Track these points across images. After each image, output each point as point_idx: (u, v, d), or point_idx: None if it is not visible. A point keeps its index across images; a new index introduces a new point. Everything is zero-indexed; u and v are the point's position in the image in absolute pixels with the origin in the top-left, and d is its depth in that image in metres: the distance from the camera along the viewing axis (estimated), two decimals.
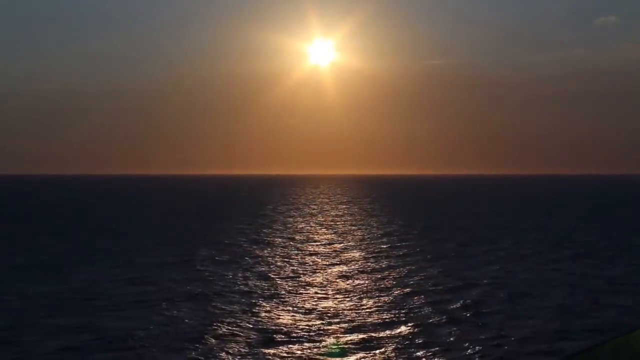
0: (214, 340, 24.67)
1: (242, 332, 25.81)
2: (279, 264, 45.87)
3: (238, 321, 27.64)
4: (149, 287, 35.92)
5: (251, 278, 39.36)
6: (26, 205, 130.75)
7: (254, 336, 25.20)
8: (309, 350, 23.28)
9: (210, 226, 76.81)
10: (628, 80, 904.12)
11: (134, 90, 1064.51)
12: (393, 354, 22.79)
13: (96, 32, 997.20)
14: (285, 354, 22.87)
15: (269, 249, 54.73)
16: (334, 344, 23.80)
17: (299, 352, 23.17)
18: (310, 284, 37.04)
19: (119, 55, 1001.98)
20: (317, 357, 22.57)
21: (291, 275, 40.57)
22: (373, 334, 25.29)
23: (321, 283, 37.46)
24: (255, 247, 56.34)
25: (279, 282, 37.98)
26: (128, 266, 44.09)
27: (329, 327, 26.46)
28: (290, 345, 23.86)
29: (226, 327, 26.62)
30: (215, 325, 26.78)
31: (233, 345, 24.05)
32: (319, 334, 25.53)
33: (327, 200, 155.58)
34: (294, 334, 25.48)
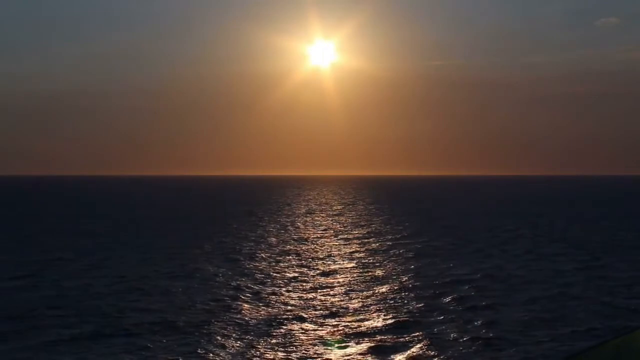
0: (279, 334, 26.13)
1: (305, 327, 27.28)
2: (320, 261, 47.46)
3: (298, 315, 29.18)
4: (199, 282, 37.37)
5: (301, 275, 40.92)
6: (31, 205, 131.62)
7: (321, 333, 26.63)
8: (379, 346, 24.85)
9: (235, 225, 78.41)
10: (629, 81, 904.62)
11: (134, 90, 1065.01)
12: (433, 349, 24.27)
13: (96, 32, 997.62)
14: (355, 351, 24.31)
15: (308, 246, 56.60)
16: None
17: (370, 349, 24.59)
18: (352, 281, 38.58)
19: (119, 55, 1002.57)
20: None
21: (334, 271, 42.17)
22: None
23: (367, 279, 38.92)
24: (297, 245, 58.00)
25: (325, 279, 39.53)
26: (169, 262, 45.31)
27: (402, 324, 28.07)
28: (357, 341, 25.32)
29: (288, 322, 28.10)
30: (278, 319, 28.33)
31: (299, 340, 25.39)
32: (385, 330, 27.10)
33: (343, 201, 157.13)
34: (362, 331, 26.96)
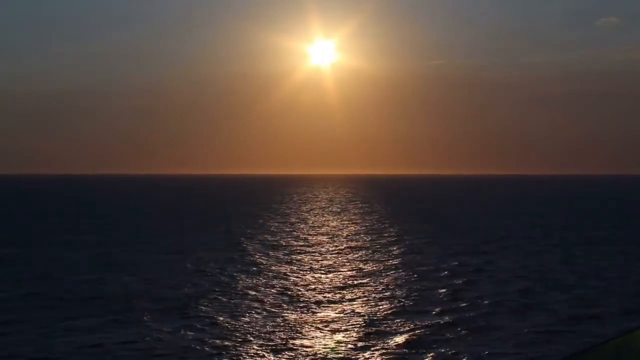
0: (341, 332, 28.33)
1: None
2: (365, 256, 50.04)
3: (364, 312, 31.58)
4: (265, 278, 39.93)
5: (353, 270, 43.43)
6: (40, 204, 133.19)
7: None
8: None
9: (260, 220, 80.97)
10: (629, 81, 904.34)
11: (135, 90, 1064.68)
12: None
13: (96, 32, 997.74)
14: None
15: (356, 243, 58.90)
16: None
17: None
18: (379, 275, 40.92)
19: (119, 55, 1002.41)
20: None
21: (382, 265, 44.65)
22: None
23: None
24: (345, 241, 60.38)
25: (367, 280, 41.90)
26: (221, 255, 47.59)
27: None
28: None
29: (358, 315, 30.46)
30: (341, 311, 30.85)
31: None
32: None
33: (359, 200, 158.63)
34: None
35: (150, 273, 40.20)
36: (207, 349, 23.83)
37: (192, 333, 25.90)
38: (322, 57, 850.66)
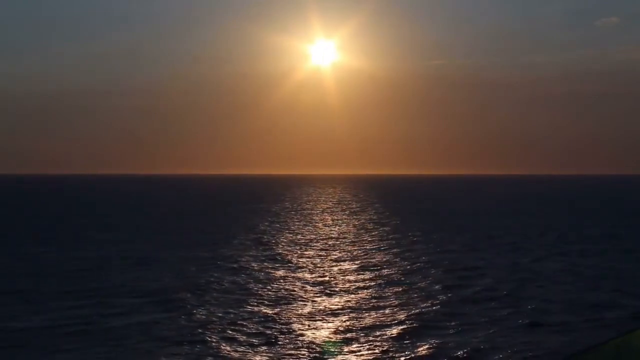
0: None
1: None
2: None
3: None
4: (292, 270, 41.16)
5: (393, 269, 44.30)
6: (38, 205, 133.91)
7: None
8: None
9: (280, 220, 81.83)
10: (629, 81, 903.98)
11: (135, 90, 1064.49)
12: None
13: (96, 32, 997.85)
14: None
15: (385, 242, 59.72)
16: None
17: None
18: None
19: (119, 55, 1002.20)
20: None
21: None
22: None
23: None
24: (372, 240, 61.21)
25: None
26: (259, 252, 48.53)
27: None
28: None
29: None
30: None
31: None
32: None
33: (367, 200, 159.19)
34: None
35: (183, 270, 40.56)
36: (263, 341, 24.55)
37: (243, 322, 26.90)
38: (323, 57, 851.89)
